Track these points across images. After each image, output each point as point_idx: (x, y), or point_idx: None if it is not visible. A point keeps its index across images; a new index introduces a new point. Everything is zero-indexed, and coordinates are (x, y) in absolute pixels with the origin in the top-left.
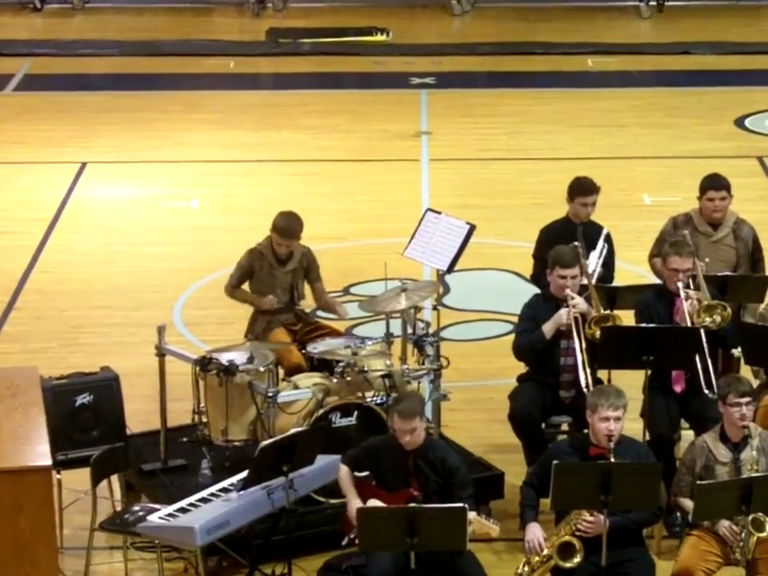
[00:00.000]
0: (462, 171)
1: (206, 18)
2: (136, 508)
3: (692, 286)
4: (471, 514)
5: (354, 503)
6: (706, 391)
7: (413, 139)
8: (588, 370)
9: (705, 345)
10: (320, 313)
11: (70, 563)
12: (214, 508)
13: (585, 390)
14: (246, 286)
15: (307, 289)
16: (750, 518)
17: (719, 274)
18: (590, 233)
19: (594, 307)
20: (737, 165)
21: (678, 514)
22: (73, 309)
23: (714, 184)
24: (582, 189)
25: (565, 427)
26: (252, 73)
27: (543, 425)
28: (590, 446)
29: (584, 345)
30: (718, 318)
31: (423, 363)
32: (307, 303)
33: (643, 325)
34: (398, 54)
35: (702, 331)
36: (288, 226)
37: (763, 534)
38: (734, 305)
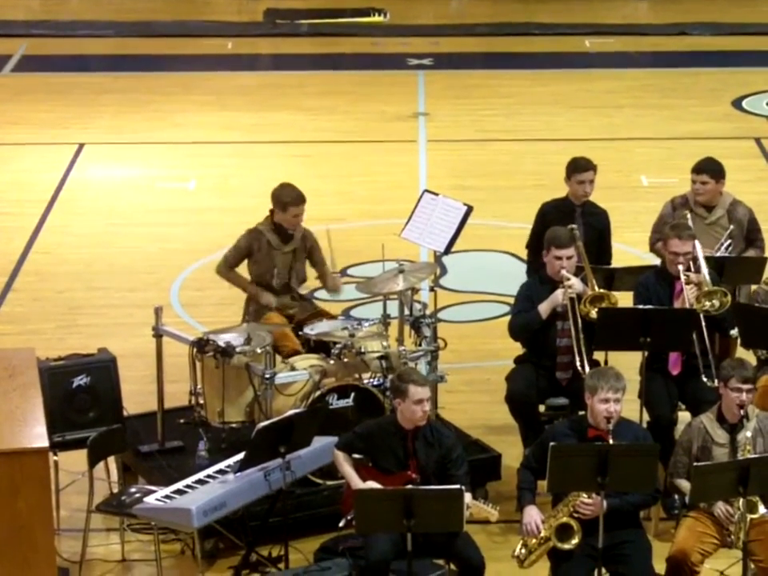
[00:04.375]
0: (459, 152)
1: None
2: (133, 490)
3: (692, 269)
4: (469, 498)
5: (357, 483)
6: (705, 379)
7: (410, 120)
8: (583, 352)
9: (704, 328)
10: (317, 294)
11: (66, 545)
12: (210, 490)
13: (579, 370)
14: (243, 267)
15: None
16: (743, 499)
17: (717, 255)
18: (589, 214)
19: (590, 287)
20: (734, 146)
21: (676, 497)
22: (70, 290)
23: (696, 167)
24: (577, 166)
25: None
26: (249, 54)
27: (541, 406)
28: (588, 427)
29: (580, 326)
30: (717, 303)
31: (420, 345)
32: (304, 285)
33: (640, 306)
34: (396, 35)
35: (701, 315)
36: (297, 192)
37: (755, 515)
38: (730, 286)
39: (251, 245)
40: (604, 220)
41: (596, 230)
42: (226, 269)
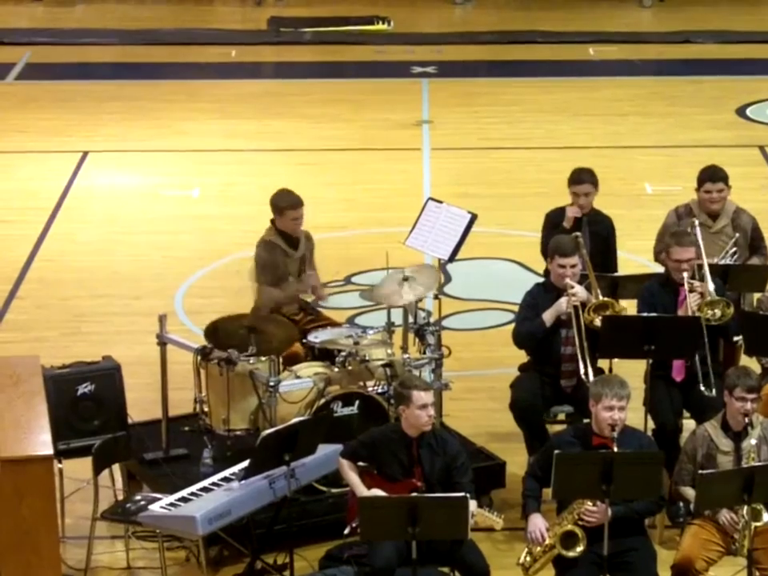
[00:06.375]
0: (463, 160)
1: (207, 6)
2: (137, 497)
3: (697, 277)
4: (474, 507)
5: (362, 491)
6: (703, 388)
7: (414, 128)
8: (588, 359)
9: (705, 336)
10: (321, 303)
11: (71, 552)
12: (215, 497)
13: (583, 378)
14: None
15: None
16: (747, 506)
17: (721, 263)
18: (595, 222)
19: (594, 295)
20: (738, 154)
21: (681, 505)
22: (74, 298)
23: (711, 176)
24: (572, 178)
25: (562, 416)
26: (253, 62)
27: (545, 414)
28: (592, 435)
29: (584, 334)
30: (719, 313)
31: (424, 352)
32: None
33: (645, 314)
34: (400, 43)
35: (703, 322)
36: (293, 196)
37: (760, 523)
38: (734, 294)
39: (275, 258)
40: (609, 227)
41: (602, 238)
42: (267, 288)
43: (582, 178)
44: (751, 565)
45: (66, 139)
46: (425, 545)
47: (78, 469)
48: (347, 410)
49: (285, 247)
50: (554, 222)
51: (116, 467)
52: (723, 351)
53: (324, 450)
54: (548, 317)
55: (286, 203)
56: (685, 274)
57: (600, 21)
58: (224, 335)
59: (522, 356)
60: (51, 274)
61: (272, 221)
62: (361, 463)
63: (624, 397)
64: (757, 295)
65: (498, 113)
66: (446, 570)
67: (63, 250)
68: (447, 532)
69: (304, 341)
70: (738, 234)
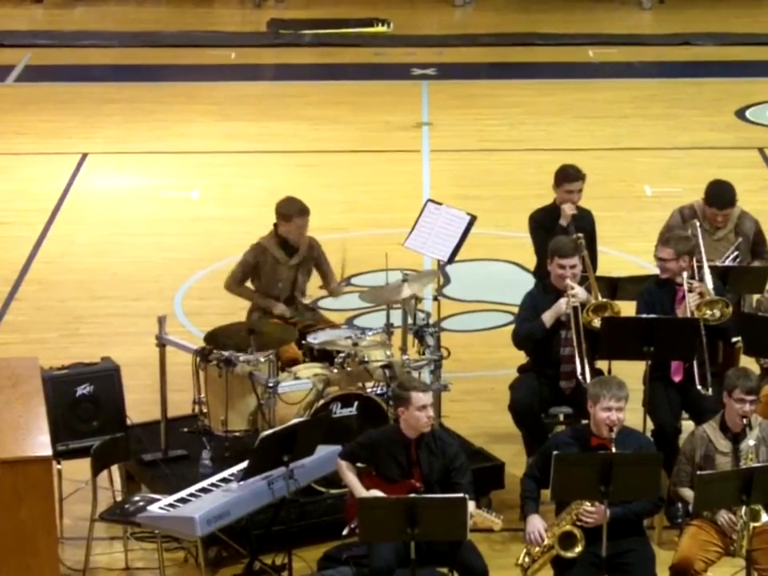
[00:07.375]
0: (462, 162)
1: (207, 9)
2: (136, 498)
3: (696, 277)
4: (473, 507)
5: (361, 492)
6: (699, 387)
7: (414, 130)
8: (586, 361)
9: (703, 337)
10: (320, 303)
11: (70, 553)
12: (214, 498)
13: (581, 378)
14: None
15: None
16: (746, 507)
17: (720, 264)
18: (579, 220)
19: (594, 296)
20: (738, 156)
21: (680, 505)
22: (73, 299)
23: (719, 202)
24: (566, 176)
25: (561, 417)
26: (253, 64)
27: (543, 415)
28: (590, 436)
29: (582, 335)
30: (718, 313)
31: (424, 354)
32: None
33: (643, 316)
34: (399, 45)
35: (701, 323)
36: (301, 204)
37: (758, 524)
38: (734, 296)
39: (257, 260)
40: (592, 222)
41: (587, 233)
42: (235, 284)
43: (576, 175)
44: (750, 565)
45: (66, 141)
46: (424, 545)
47: (77, 470)
48: (346, 411)
49: (278, 254)
50: (541, 223)
51: (115, 468)
52: (723, 352)
53: (323, 451)
54: (548, 318)
55: (292, 212)
56: (685, 275)
57: (600, 23)
58: (223, 338)
59: (521, 357)
60: (50, 275)
61: (275, 225)
62: (359, 464)
63: (622, 398)
64: (756, 296)
65: (497, 115)
66: (444, 570)
67: (62, 251)
68: (446, 533)
69: (303, 342)
70: (740, 239)
